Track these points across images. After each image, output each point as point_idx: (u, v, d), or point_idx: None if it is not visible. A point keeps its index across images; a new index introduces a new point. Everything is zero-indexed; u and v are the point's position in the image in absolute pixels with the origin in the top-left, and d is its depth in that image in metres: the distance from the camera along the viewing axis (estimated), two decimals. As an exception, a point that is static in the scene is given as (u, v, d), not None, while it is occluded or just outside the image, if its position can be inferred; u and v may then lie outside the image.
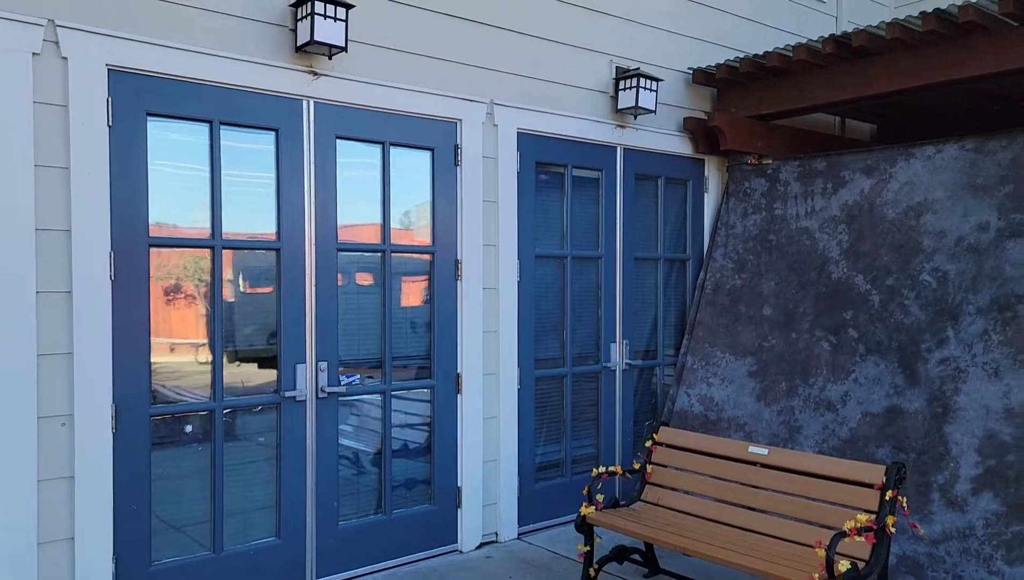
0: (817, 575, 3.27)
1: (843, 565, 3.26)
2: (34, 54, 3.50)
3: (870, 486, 3.65)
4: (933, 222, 5.04)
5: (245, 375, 4.18)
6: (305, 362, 4.32)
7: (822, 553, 3.30)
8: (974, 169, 4.95)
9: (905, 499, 3.87)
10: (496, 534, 5.09)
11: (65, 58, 3.58)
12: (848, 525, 3.38)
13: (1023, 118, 6.54)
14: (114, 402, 3.73)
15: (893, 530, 3.52)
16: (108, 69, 3.69)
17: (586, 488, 4.29)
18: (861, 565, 3.47)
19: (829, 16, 7.23)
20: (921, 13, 4.81)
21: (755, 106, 5.99)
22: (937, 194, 5.08)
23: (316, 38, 4.05)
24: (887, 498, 3.54)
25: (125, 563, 3.77)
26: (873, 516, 3.51)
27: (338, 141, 4.44)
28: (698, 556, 3.74)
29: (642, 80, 5.47)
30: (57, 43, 3.56)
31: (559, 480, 5.46)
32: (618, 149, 5.69)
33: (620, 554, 4.36)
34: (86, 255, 3.63)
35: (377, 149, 4.61)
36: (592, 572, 4.20)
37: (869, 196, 5.41)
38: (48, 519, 3.56)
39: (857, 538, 3.40)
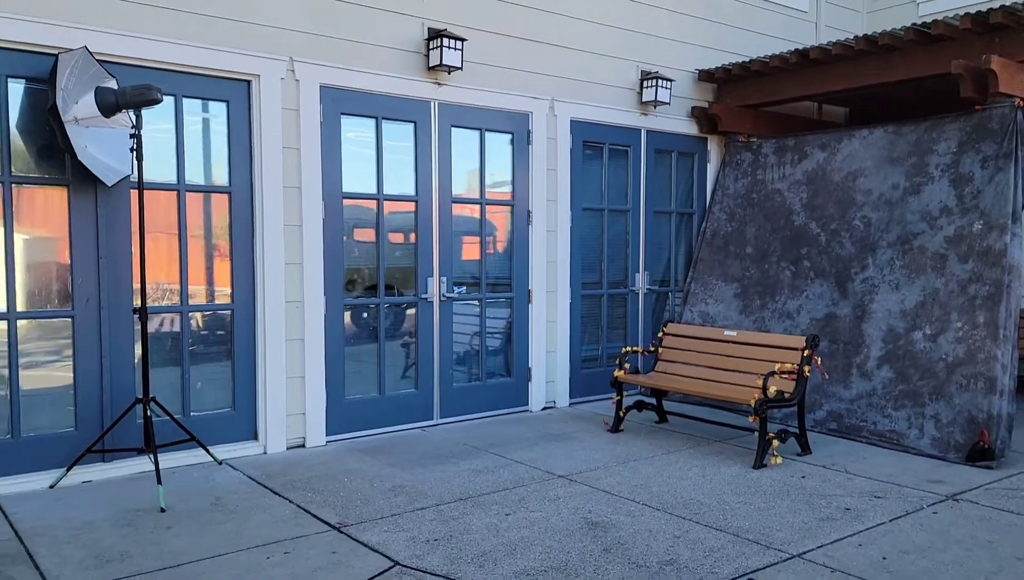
0: (757, 394, 5.46)
1: (772, 390, 5.45)
2: (281, 78, 5.71)
3: (796, 349, 5.81)
4: (864, 184, 7.13)
5: (398, 283, 6.43)
6: (433, 276, 6.55)
7: (760, 383, 5.49)
8: (892, 146, 7.03)
9: (820, 359, 6.03)
10: (554, 402, 7.34)
11: (298, 80, 5.79)
12: (776, 367, 5.55)
13: (953, 108, 8.55)
14: (324, 294, 5.99)
15: (808, 374, 5.69)
16: (320, 86, 5.90)
17: (617, 359, 6.50)
18: (787, 395, 5.65)
19: (810, 23, 9.22)
20: (857, 36, 6.87)
21: (745, 98, 8.07)
22: (867, 164, 7.16)
23: (444, 62, 6.22)
24: (804, 355, 5.71)
25: (331, 395, 6.06)
26: (796, 365, 5.68)
27: (452, 129, 6.62)
28: (687, 393, 5.94)
29: (660, 80, 7.57)
30: (293, 71, 5.77)
31: (598, 369, 7.69)
32: (642, 131, 7.82)
33: (639, 405, 6.58)
34: (309, 202, 5.87)
35: (476, 133, 6.78)
36: (621, 414, 6.42)
37: (823, 165, 7.50)
38: (290, 364, 5.84)
39: (782, 377, 5.58)
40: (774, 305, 7.46)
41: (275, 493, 4.88)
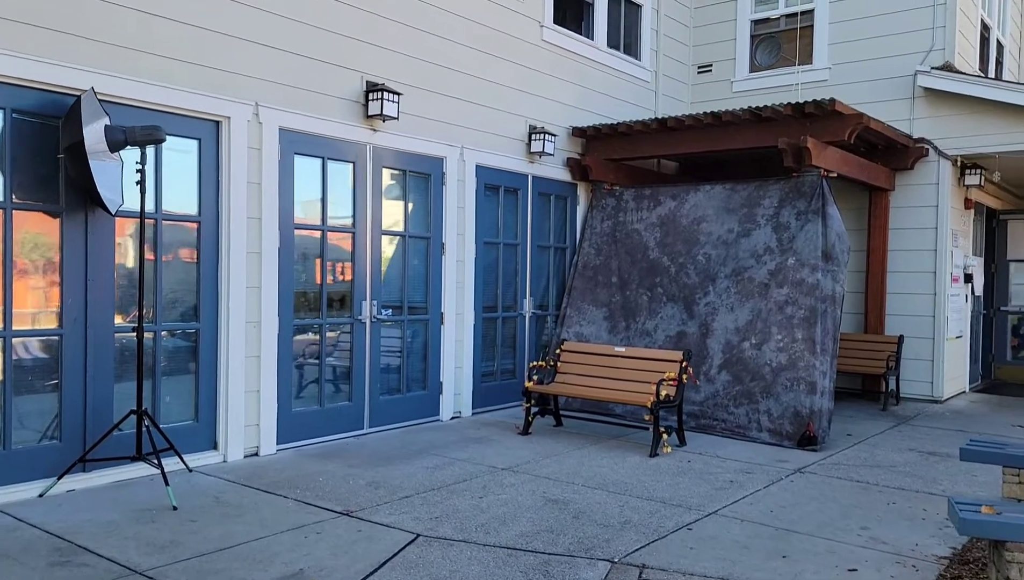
0: (652, 398, 6.82)
1: (663, 393, 6.84)
2: (248, 121, 6.32)
3: (675, 361, 7.26)
4: (706, 227, 8.84)
5: (336, 306, 7.14)
6: (366, 300, 7.33)
7: (653, 388, 6.85)
8: (729, 199, 8.80)
9: (692, 369, 7.54)
10: (460, 412, 8.31)
11: (261, 123, 6.42)
12: (666, 375, 6.96)
13: (766, 169, 10.64)
14: (278, 315, 6.60)
15: (686, 381, 7.15)
16: (279, 128, 6.55)
17: (528, 372, 7.62)
18: (672, 396, 7.06)
19: (651, 91, 11.00)
20: (705, 112, 8.58)
21: (610, 153, 9.59)
22: (709, 212, 8.88)
23: (384, 112, 7.08)
24: (682, 366, 7.17)
25: (281, 407, 6.65)
26: (675, 374, 7.12)
27: (383, 169, 7.47)
28: (584, 397, 7.19)
29: (545, 135, 8.88)
30: (258, 115, 6.40)
31: (493, 382, 8.77)
32: (529, 176, 9.07)
33: (542, 411, 7.74)
34: (268, 232, 6.48)
35: (401, 174, 7.68)
36: (530, 419, 7.54)
37: (673, 211, 9.15)
38: (247, 379, 6.39)
39: (669, 383, 6.99)
40: (636, 325, 8.96)
41: (265, 491, 5.48)
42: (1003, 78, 12.04)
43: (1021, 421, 8.87)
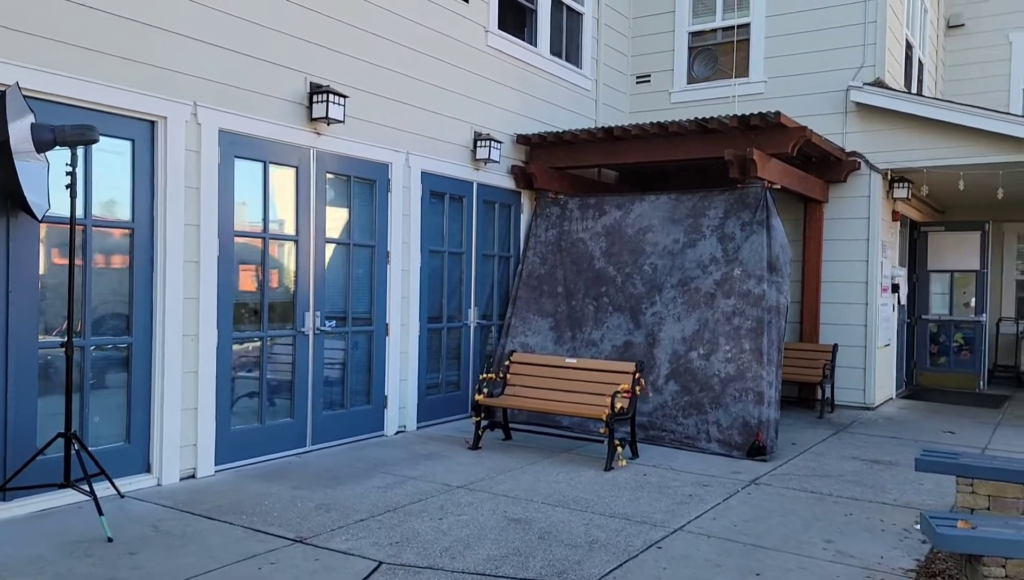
0: (607, 410, 6.71)
1: (618, 405, 6.74)
2: (186, 121, 5.93)
3: (628, 373, 7.18)
4: (651, 237, 8.83)
5: (278, 317, 6.79)
6: (309, 311, 6.99)
7: (608, 401, 6.75)
8: (674, 209, 8.81)
9: (644, 380, 7.49)
10: (405, 426, 8.04)
11: (200, 124, 6.03)
12: (620, 387, 6.87)
13: (713, 180, 10.73)
14: (217, 328, 6.21)
15: (639, 392, 7.08)
16: (219, 130, 6.18)
17: (478, 385, 7.41)
18: (626, 408, 6.98)
19: (592, 100, 10.97)
20: (651, 122, 8.57)
21: (554, 161, 9.49)
22: (654, 222, 8.88)
23: (329, 115, 6.78)
24: (635, 377, 7.10)
25: (219, 425, 6.25)
26: (629, 385, 7.04)
27: (327, 174, 7.16)
28: (536, 410, 7.05)
29: (491, 142, 8.71)
30: (196, 115, 6.01)
31: (439, 395, 8.52)
32: (474, 184, 8.88)
33: (492, 424, 7.54)
34: (207, 240, 6.09)
35: (346, 180, 7.38)
36: (480, 433, 7.33)
37: (619, 221, 9.11)
38: (184, 396, 5.98)
39: (623, 395, 6.90)
40: (582, 335, 8.87)
41: (209, 518, 5.11)
42: (923, 95, 12.52)
43: (949, 427, 9.17)
